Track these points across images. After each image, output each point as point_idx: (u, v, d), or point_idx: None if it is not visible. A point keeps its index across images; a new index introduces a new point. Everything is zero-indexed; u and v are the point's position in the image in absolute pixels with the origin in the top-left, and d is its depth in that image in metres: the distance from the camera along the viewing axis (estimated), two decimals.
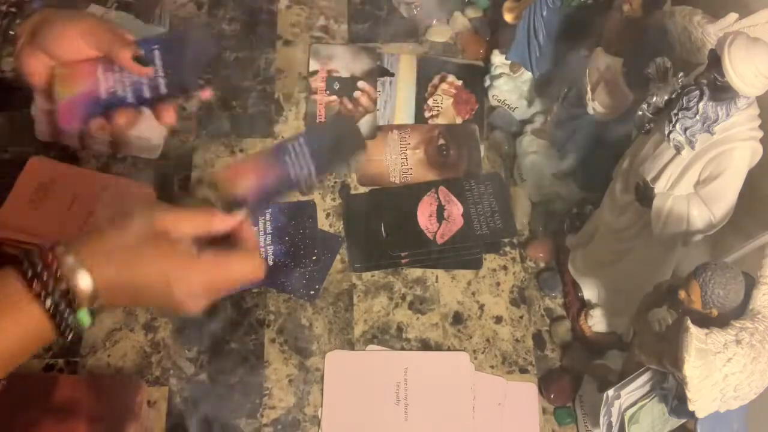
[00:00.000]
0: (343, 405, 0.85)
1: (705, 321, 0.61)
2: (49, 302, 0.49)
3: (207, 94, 0.66)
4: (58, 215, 0.88)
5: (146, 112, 0.64)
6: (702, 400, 0.60)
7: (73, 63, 0.62)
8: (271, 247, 0.92)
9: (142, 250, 0.52)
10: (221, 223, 0.56)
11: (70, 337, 0.51)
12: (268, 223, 0.93)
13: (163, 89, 0.63)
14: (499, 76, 1.03)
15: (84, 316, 0.51)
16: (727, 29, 0.69)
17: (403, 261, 0.93)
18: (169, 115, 0.64)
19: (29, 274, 0.49)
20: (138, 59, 0.61)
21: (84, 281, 0.50)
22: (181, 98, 0.66)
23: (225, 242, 0.56)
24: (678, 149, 0.68)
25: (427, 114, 1.04)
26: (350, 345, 0.89)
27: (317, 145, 0.62)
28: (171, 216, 0.53)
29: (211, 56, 0.65)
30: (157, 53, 0.64)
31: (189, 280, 0.53)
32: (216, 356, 0.87)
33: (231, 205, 0.57)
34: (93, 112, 0.62)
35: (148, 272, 0.52)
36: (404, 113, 1.04)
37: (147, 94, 0.63)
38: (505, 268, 0.95)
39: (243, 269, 0.55)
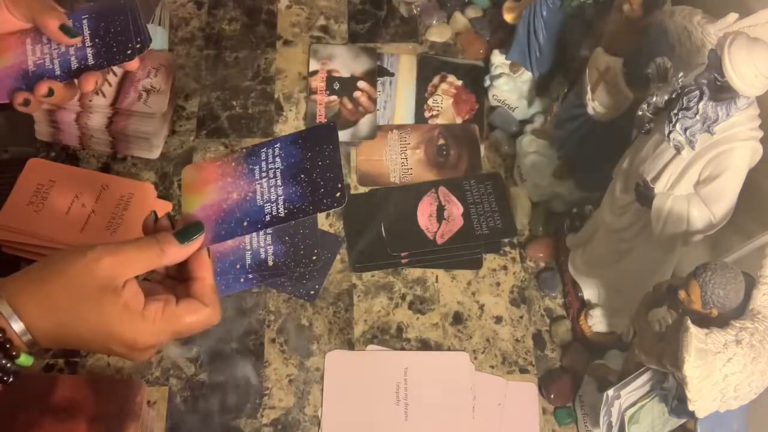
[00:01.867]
0: (343, 405, 0.85)
1: (705, 321, 0.61)
2: None
3: (133, 64, 0.65)
4: (57, 216, 0.88)
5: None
6: (702, 400, 0.60)
7: (0, 36, 0.62)
8: (271, 246, 0.92)
9: (83, 304, 0.48)
10: (172, 257, 0.52)
11: (10, 380, 0.48)
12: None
13: (90, 60, 0.63)
14: (499, 76, 1.03)
15: (24, 359, 0.48)
16: (727, 29, 0.69)
17: (403, 261, 0.93)
18: (89, 84, 0.63)
19: None
20: (65, 29, 0.61)
21: (20, 331, 0.48)
22: (108, 68, 0.65)
23: (181, 271, 0.54)
24: (678, 149, 0.68)
25: (427, 114, 1.04)
26: (350, 345, 0.89)
27: (293, 161, 0.60)
28: (115, 259, 0.49)
29: (141, 27, 0.65)
30: (85, 23, 0.64)
31: (130, 338, 0.50)
32: (216, 356, 0.87)
33: (188, 229, 0.54)
34: (20, 84, 0.62)
35: (86, 328, 0.49)
36: (404, 113, 1.04)
37: (74, 65, 0.63)
38: (505, 268, 0.95)
39: (193, 322, 0.52)
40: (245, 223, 0.65)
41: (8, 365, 0.48)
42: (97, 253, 0.49)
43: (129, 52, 0.64)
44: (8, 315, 0.47)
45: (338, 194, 0.62)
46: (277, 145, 0.64)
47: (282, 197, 0.68)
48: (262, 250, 0.82)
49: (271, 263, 0.89)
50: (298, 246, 0.92)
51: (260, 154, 0.64)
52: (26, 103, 0.62)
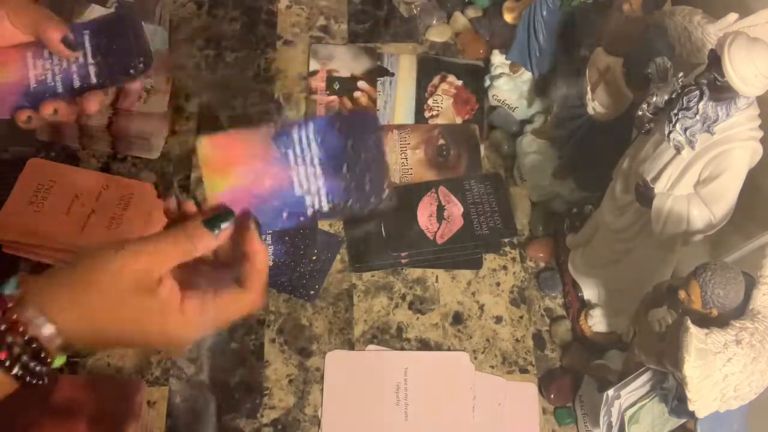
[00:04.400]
0: (343, 405, 0.85)
1: (705, 321, 0.61)
2: (16, 369, 0.45)
3: (138, 85, 0.64)
4: (58, 216, 0.88)
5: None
6: (702, 400, 0.60)
7: (1, 49, 0.60)
8: (271, 247, 0.92)
9: (119, 309, 0.47)
10: (205, 248, 0.50)
11: (45, 381, 0.47)
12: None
13: (93, 78, 0.61)
14: (499, 76, 1.03)
15: (59, 360, 0.48)
16: (727, 29, 0.69)
17: (403, 261, 0.93)
18: (93, 104, 0.61)
19: None
20: (67, 41, 0.59)
21: (54, 338, 0.46)
22: (110, 87, 0.64)
23: (229, 253, 0.52)
24: (678, 149, 0.68)
25: (427, 114, 1.04)
26: (350, 345, 0.89)
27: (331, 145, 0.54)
28: (146, 258, 0.48)
29: (144, 45, 0.63)
30: (87, 38, 0.62)
31: (169, 336, 0.49)
32: (216, 356, 0.87)
33: (216, 217, 0.50)
34: (22, 101, 0.60)
35: (126, 329, 0.48)
36: (404, 113, 1.04)
37: (77, 83, 0.61)
38: (505, 268, 0.95)
39: (234, 310, 0.50)
40: (285, 215, 0.58)
41: (43, 370, 0.47)
42: (132, 251, 0.48)
43: (132, 71, 0.62)
44: (40, 324, 0.46)
45: (385, 193, 0.57)
46: (311, 127, 0.57)
47: (323, 190, 0.60)
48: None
49: (271, 263, 0.89)
50: (298, 246, 0.92)
51: (294, 135, 0.57)
52: (29, 120, 0.61)
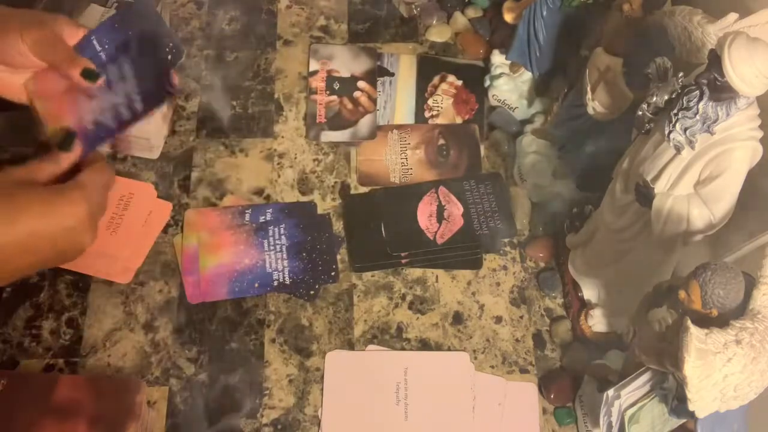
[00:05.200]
0: (343, 405, 0.85)
1: (705, 321, 0.61)
2: None
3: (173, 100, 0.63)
4: None
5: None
6: (702, 400, 0.60)
7: (51, 95, 0.58)
8: (288, 266, 0.91)
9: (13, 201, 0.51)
10: (63, 165, 0.55)
11: None
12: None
13: (139, 105, 0.61)
14: (499, 76, 1.03)
15: None
16: (727, 29, 0.69)
17: (403, 261, 0.93)
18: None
19: None
20: (86, 73, 0.57)
21: None
22: (155, 110, 0.63)
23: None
24: (678, 149, 0.68)
25: (427, 114, 1.04)
26: (350, 345, 0.89)
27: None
28: (22, 170, 0.54)
29: (178, 50, 0.61)
30: (127, 66, 0.59)
31: (70, 211, 0.52)
32: (216, 356, 0.87)
33: (64, 141, 0.55)
34: (87, 146, 0.59)
35: (14, 212, 0.50)
36: (404, 113, 1.04)
37: (126, 114, 0.61)
38: (505, 268, 0.95)
39: (101, 177, 0.55)
40: (256, 285, 0.88)
41: None
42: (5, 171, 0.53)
43: (164, 95, 0.62)
44: None
45: (333, 273, 0.88)
46: (282, 225, 0.86)
47: (287, 269, 0.89)
48: (278, 272, 0.89)
49: (289, 282, 0.89)
50: (316, 262, 0.92)
51: (268, 230, 0.88)
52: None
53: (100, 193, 0.55)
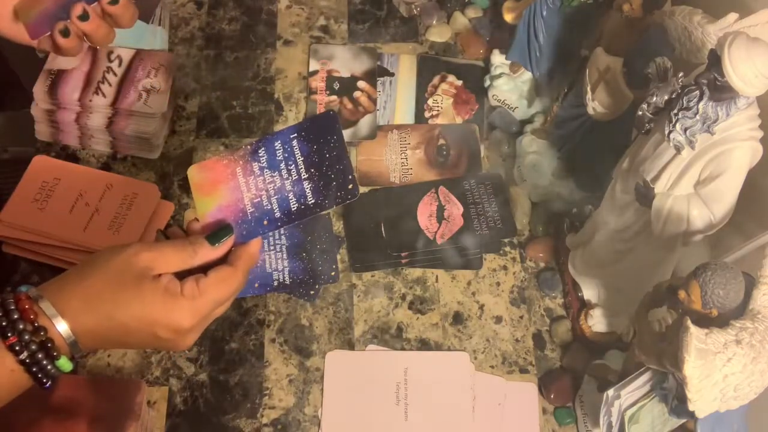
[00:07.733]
0: (343, 405, 0.85)
1: (705, 321, 0.61)
2: (24, 355, 0.47)
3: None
4: (61, 215, 0.88)
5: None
6: (702, 400, 0.60)
7: (210, 166, 0.58)
8: (288, 266, 0.91)
9: (122, 293, 0.50)
10: (204, 258, 0.54)
11: (49, 384, 0.49)
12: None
13: (310, 198, 0.57)
14: (499, 76, 1.03)
15: (64, 363, 0.49)
16: (727, 29, 0.69)
17: (403, 261, 0.93)
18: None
19: (3, 323, 0.47)
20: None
21: (63, 330, 0.49)
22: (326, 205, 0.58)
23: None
24: (678, 149, 0.68)
25: (427, 114, 1.04)
26: (350, 345, 0.89)
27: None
28: (151, 255, 0.52)
29: (348, 167, 0.57)
30: (295, 143, 0.57)
31: (174, 319, 0.51)
32: (216, 356, 0.87)
33: (218, 233, 0.55)
34: (241, 229, 0.57)
35: (130, 316, 0.50)
36: (404, 113, 1.04)
37: (293, 205, 0.57)
38: (505, 268, 0.95)
39: (228, 286, 0.53)
40: (256, 285, 0.78)
41: (49, 368, 0.49)
42: (135, 248, 0.52)
43: (343, 193, 0.57)
44: (51, 315, 0.49)
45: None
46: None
47: (287, 269, 0.82)
48: (278, 272, 0.87)
49: (289, 282, 0.89)
50: (316, 262, 0.91)
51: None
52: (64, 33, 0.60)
53: (220, 309, 0.54)
